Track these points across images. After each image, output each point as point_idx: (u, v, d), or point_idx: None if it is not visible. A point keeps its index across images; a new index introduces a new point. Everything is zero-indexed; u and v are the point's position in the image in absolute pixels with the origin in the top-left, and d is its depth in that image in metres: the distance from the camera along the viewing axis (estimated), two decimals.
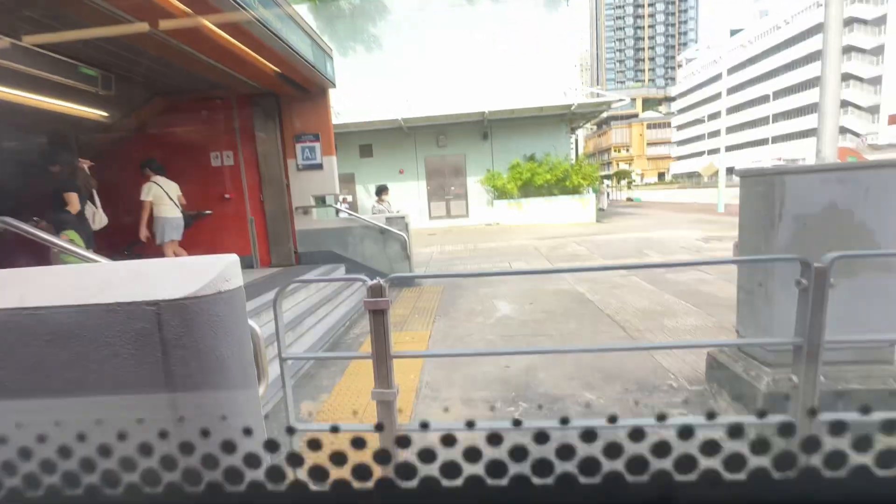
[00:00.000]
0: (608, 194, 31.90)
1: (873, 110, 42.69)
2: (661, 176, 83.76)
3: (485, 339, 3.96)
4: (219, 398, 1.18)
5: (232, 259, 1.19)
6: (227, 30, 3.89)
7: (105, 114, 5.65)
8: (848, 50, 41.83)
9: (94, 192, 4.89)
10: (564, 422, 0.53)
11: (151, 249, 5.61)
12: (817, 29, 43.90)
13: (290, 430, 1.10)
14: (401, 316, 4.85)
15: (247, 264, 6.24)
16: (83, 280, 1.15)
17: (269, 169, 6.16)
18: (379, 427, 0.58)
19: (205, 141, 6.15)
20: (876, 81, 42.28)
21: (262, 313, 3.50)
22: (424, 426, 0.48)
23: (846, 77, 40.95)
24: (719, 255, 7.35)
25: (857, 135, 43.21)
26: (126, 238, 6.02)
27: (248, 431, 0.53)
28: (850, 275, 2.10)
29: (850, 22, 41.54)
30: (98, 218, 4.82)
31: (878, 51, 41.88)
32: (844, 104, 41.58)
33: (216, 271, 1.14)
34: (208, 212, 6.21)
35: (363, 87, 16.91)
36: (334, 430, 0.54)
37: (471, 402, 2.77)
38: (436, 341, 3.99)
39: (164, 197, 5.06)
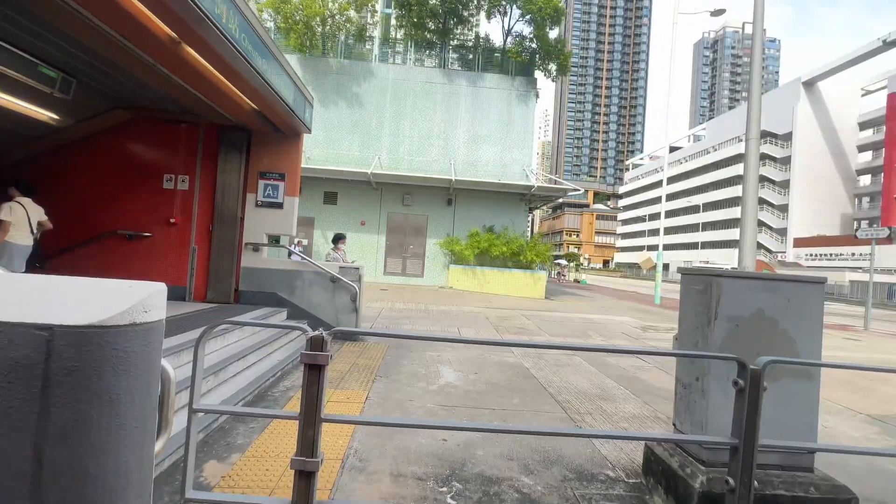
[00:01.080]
0: (553, 273, 33.19)
1: (781, 232, 49.44)
2: (605, 263, 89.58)
3: (425, 407, 3.74)
4: (99, 453, 0.97)
5: (158, 288, 1.04)
6: (209, 59, 3.89)
7: (55, 116, 5.30)
8: (762, 179, 49.12)
9: None
10: None
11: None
12: (737, 158, 51.65)
13: (184, 502, 0.91)
14: (338, 372, 4.53)
15: (178, 296, 5.72)
16: None
17: (226, 200, 5.92)
18: None
19: (161, 161, 5.87)
20: (783, 209, 49.42)
21: (182, 353, 3.13)
22: None
23: (760, 201, 47.58)
24: (656, 345, 7.69)
25: (769, 251, 49.31)
26: (43, 250, 5.39)
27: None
28: (775, 379, 2.23)
29: (763, 157, 49.20)
30: None
31: (784, 184, 49.45)
32: (759, 224, 47.89)
33: (135, 299, 0.98)
34: (147, 234, 5.76)
35: (339, 137, 17.32)
36: None
37: (401, 477, 2.53)
38: (373, 404, 3.71)
39: (24, 221, 4.55)
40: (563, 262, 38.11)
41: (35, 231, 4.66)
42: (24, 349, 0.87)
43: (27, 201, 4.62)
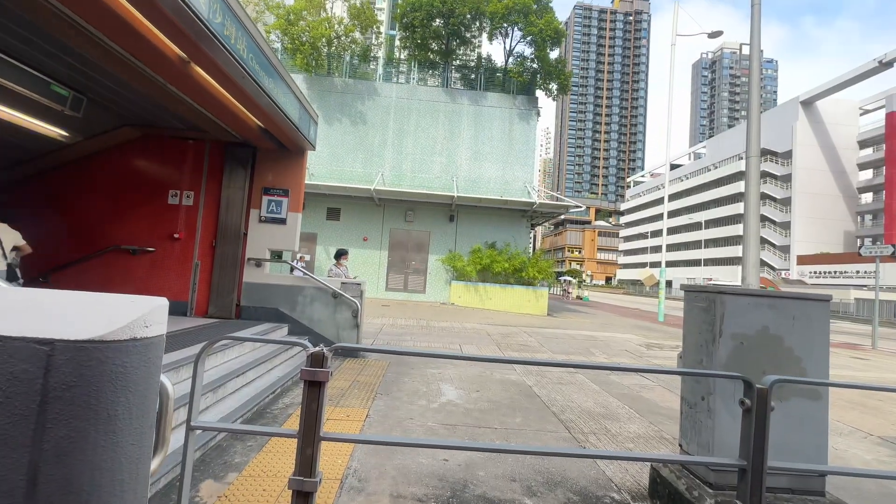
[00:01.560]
0: (559, 290, 33.10)
1: (784, 250, 49.26)
2: (608, 280, 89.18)
3: (426, 426, 3.68)
4: (94, 470, 0.95)
5: (159, 303, 1.04)
6: (218, 78, 3.97)
7: (65, 133, 5.40)
8: (763, 197, 49.19)
9: None
10: None
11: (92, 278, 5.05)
12: (738, 176, 51.90)
13: None
14: (339, 389, 4.48)
15: (180, 311, 5.71)
16: None
17: (230, 216, 5.96)
18: None
19: (167, 177, 5.94)
20: (786, 226, 49.36)
21: (181, 368, 3.11)
22: None
23: (762, 218, 47.57)
24: (661, 363, 7.59)
25: (772, 268, 49.04)
26: (47, 264, 5.44)
27: None
28: (783, 398, 2.19)
29: (764, 175, 49.37)
30: None
31: (785, 201, 49.50)
32: (762, 241, 47.79)
33: (136, 314, 0.98)
34: (151, 249, 5.79)
35: (343, 154, 17.55)
36: None
37: (401, 498, 2.47)
38: (373, 422, 3.66)
39: None
40: (569, 278, 38.11)
41: (8, 255, 4.63)
42: (24, 363, 0.87)
43: (2, 227, 4.63)
